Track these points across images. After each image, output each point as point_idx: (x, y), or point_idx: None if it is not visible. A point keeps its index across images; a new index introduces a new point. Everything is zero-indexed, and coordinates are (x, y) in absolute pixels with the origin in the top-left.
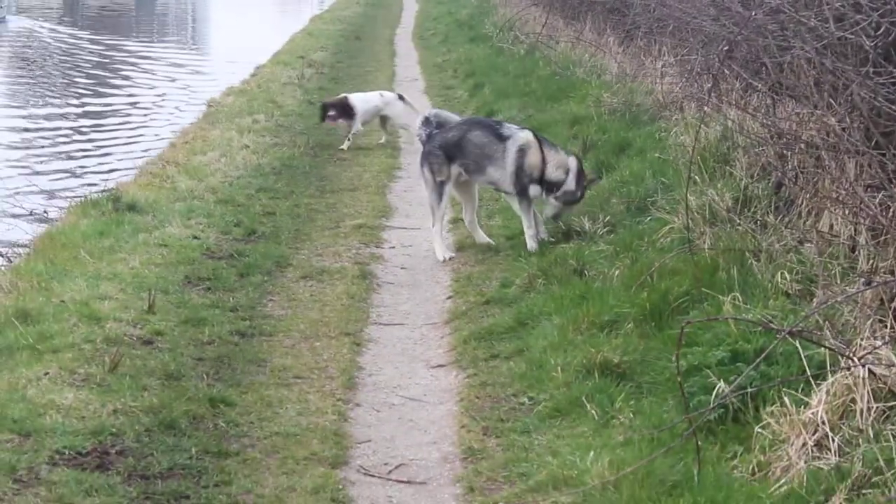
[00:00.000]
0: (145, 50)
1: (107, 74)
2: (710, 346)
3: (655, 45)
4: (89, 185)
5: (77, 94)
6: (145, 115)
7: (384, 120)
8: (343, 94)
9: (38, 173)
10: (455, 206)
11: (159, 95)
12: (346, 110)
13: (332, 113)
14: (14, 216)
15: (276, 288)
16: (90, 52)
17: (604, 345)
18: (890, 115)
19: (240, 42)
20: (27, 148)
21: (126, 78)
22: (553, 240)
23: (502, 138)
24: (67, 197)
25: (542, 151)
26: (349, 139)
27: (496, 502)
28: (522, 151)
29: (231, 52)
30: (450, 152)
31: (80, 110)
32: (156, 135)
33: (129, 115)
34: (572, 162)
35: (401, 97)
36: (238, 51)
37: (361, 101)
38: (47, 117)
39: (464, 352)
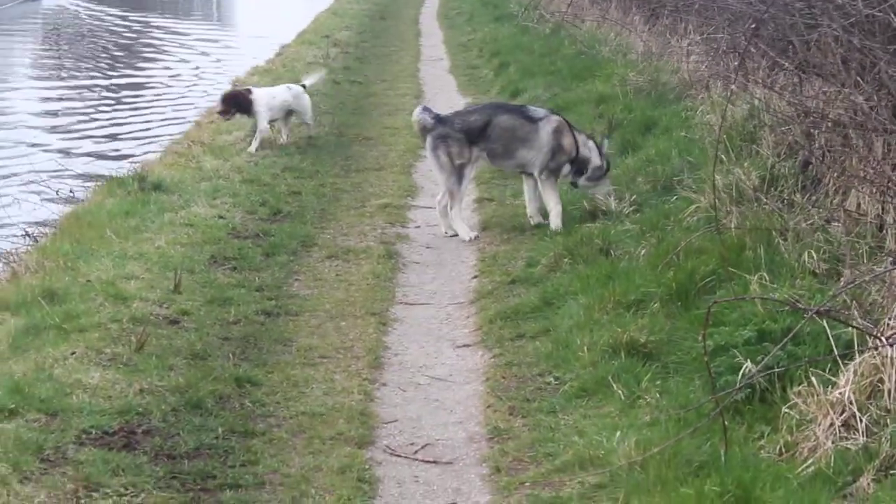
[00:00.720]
0: (174, 26)
1: (139, 49)
2: (736, 325)
3: (681, 23)
4: (125, 156)
5: (109, 68)
6: (185, 87)
7: (289, 115)
8: (247, 87)
9: (65, 152)
10: (479, 185)
11: (194, 69)
12: (242, 105)
13: (221, 108)
14: (40, 195)
15: (301, 267)
16: (121, 28)
17: (630, 324)
18: None
19: (265, 19)
20: (54, 127)
21: (159, 52)
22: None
23: (533, 120)
24: (98, 175)
25: (573, 132)
26: (256, 140)
27: (522, 482)
28: (558, 133)
29: (257, 28)
30: (472, 136)
31: (112, 83)
32: (192, 104)
33: (164, 88)
34: (590, 140)
35: (304, 87)
36: (264, 27)
37: (267, 96)
38: (78, 93)
39: (490, 331)
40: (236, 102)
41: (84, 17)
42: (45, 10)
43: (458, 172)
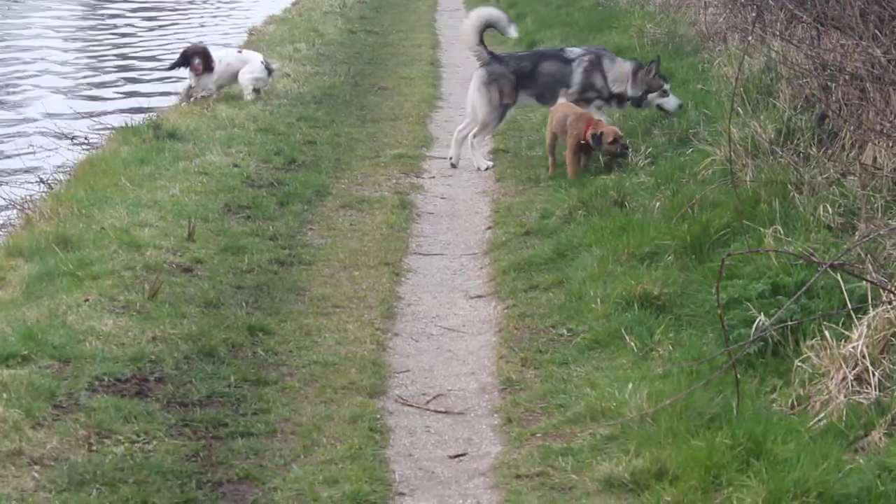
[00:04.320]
0: None
1: None
2: (750, 278)
3: None
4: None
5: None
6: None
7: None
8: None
9: (83, 96)
10: (495, 135)
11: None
12: (208, 62)
13: (196, 62)
14: (56, 139)
15: (315, 217)
16: None
17: (644, 277)
18: None
19: None
20: (73, 73)
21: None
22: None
23: (568, 61)
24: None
25: (602, 69)
26: (192, 97)
27: (534, 433)
28: (588, 72)
29: None
30: (521, 80)
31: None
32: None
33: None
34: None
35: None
36: None
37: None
38: (96, 39)
39: (503, 282)
40: (206, 58)
41: None
42: None
43: (503, 110)
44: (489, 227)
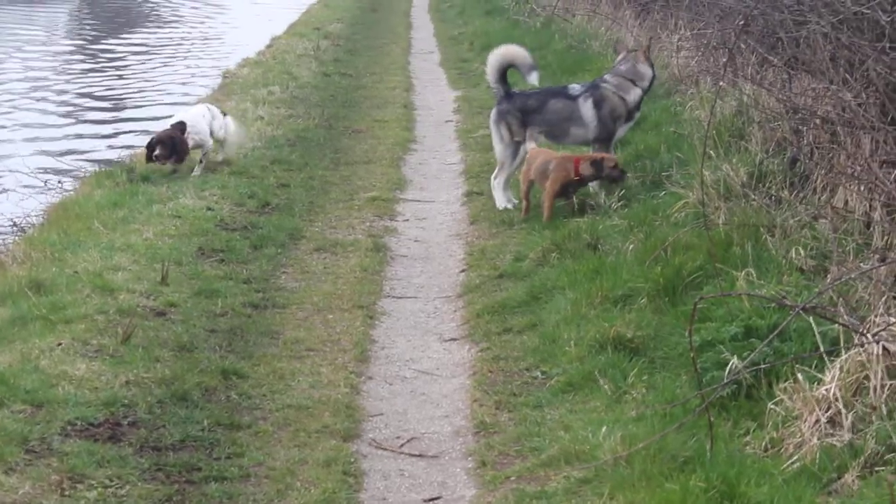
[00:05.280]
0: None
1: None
2: (723, 321)
3: (672, 18)
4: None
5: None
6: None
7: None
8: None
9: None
10: (468, 178)
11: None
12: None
13: (157, 152)
14: (28, 187)
15: (289, 260)
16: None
17: (617, 319)
18: None
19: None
20: (42, 123)
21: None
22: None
23: (573, 98)
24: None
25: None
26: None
27: (508, 476)
28: (598, 105)
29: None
30: (527, 117)
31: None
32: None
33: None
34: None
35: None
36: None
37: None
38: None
39: (477, 325)
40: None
41: None
42: None
43: (514, 148)
44: (463, 270)
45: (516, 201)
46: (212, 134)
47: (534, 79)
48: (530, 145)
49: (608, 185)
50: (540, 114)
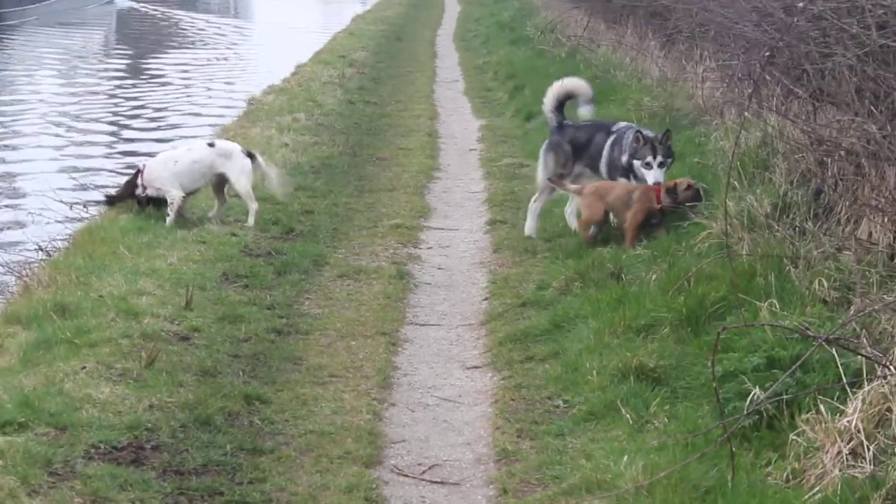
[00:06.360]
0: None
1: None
2: (746, 352)
3: (697, 49)
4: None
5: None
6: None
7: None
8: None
9: (80, 168)
10: (491, 207)
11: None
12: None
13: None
14: (54, 211)
15: (312, 286)
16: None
17: (640, 349)
18: None
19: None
20: (68, 144)
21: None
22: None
23: (609, 134)
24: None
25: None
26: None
27: None
28: (613, 147)
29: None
30: (577, 151)
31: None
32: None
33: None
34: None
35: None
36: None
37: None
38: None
39: (499, 353)
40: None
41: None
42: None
43: (559, 178)
44: (486, 298)
45: (534, 233)
46: (223, 179)
47: (586, 112)
48: (572, 186)
49: (689, 209)
50: (587, 149)
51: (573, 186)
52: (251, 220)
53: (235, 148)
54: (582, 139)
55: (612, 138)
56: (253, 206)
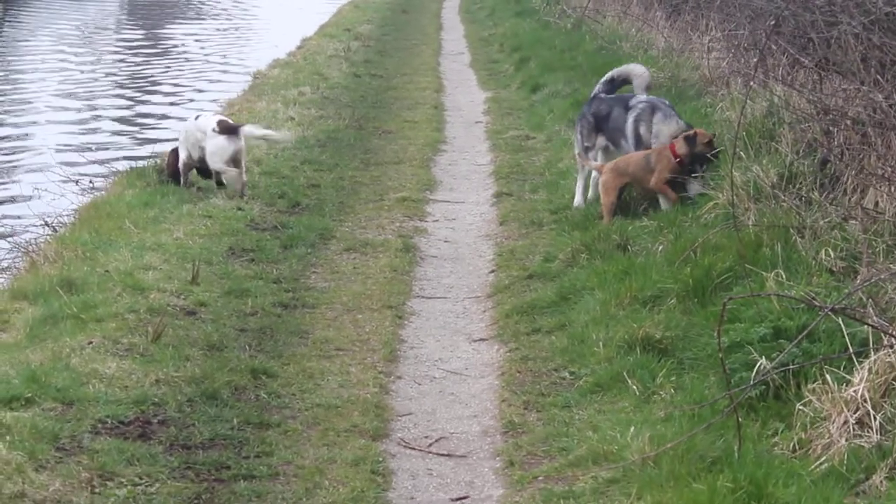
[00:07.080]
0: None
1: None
2: (752, 322)
3: (702, 19)
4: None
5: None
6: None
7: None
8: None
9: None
10: (497, 179)
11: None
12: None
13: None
14: (61, 185)
15: (319, 260)
16: None
17: (646, 320)
18: None
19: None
20: (76, 120)
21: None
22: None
23: (628, 108)
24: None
25: (650, 121)
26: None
27: (536, 476)
28: (637, 122)
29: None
30: (598, 124)
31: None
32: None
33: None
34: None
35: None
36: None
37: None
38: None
39: (506, 326)
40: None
41: None
42: None
43: (584, 152)
44: (492, 271)
45: (581, 204)
46: (202, 158)
47: (641, 96)
48: (593, 163)
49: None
50: (607, 122)
51: (594, 163)
52: (236, 193)
53: (208, 125)
54: (603, 112)
55: (633, 115)
56: (232, 180)
